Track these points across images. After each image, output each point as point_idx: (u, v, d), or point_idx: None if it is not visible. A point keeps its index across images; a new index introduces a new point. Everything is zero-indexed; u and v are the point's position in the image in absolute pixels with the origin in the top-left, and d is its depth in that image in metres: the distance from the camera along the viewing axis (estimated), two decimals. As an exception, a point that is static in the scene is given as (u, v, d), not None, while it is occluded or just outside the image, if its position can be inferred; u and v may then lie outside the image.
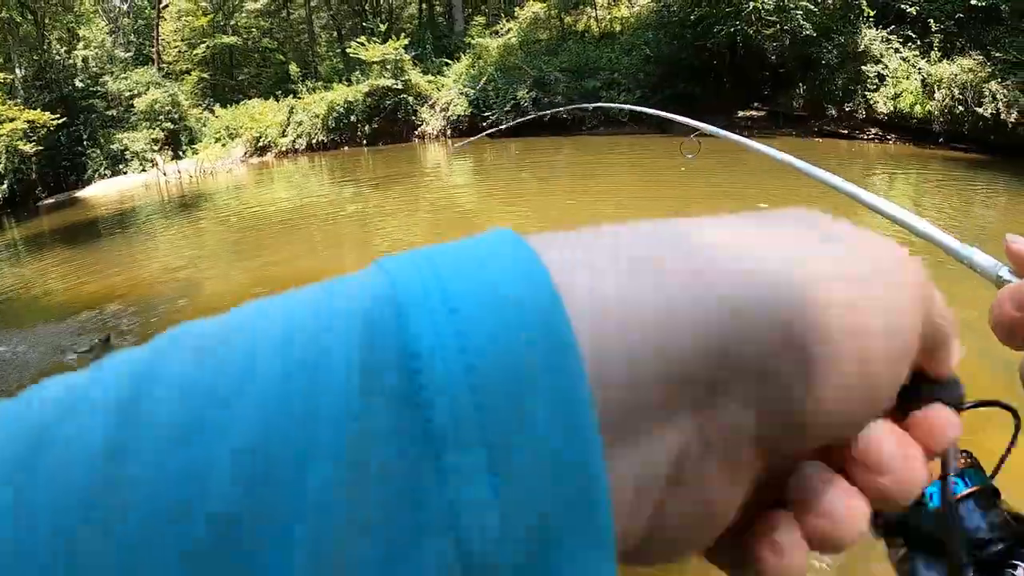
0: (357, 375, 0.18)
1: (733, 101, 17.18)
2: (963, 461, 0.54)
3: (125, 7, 43.80)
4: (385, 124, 24.58)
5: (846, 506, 0.25)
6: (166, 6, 38.95)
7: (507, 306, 0.19)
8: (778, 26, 16.77)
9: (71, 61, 35.86)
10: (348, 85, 26.27)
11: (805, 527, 0.25)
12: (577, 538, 0.19)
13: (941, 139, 15.70)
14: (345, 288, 0.21)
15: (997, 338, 0.43)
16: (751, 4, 16.51)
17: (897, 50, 16.67)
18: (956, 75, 15.63)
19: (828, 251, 0.25)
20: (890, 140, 16.34)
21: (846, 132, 16.31)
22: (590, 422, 0.19)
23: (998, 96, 15.05)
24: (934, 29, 16.33)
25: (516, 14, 25.36)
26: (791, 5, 16.44)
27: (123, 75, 35.99)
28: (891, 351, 0.24)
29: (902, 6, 16.87)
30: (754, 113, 17.73)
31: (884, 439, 0.25)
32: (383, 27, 27.28)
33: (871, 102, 16.38)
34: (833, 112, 16.94)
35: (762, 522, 0.25)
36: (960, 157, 13.99)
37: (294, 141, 27.78)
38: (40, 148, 29.30)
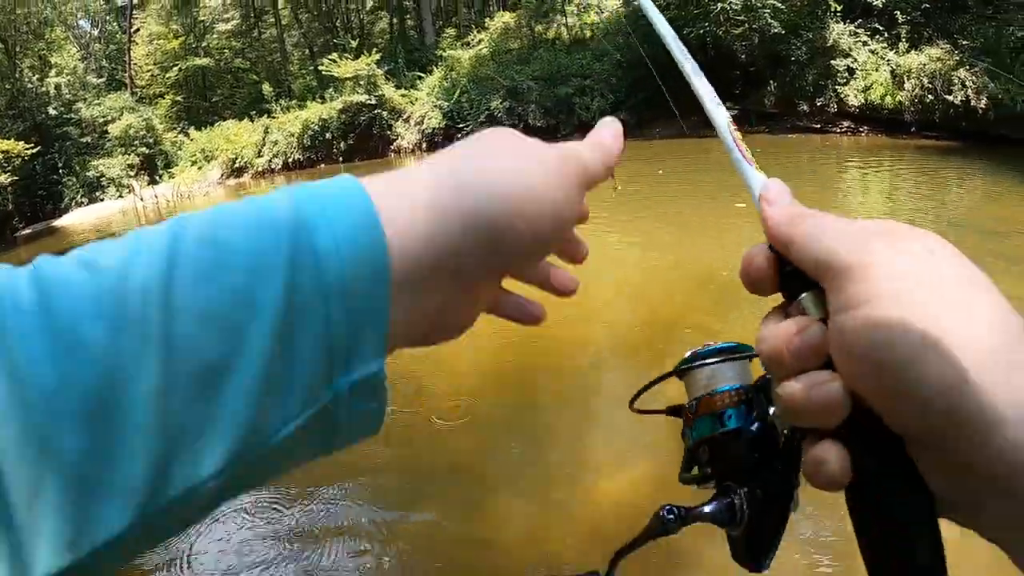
0: (288, 255, 0.32)
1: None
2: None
3: (96, 32, 43.62)
4: (360, 140, 24.59)
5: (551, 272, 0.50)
6: (137, 30, 38.88)
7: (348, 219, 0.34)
8: (746, 25, 16.85)
9: (43, 89, 35.64)
10: (322, 103, 26.29)
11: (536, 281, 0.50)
12: (369, 339, 0.35)
13: (913, 128, 15.84)
14: (273, 203, 0.35)
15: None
16: (719, 5, 16.64)
17: (865, 43, 16.78)
18: (925, 65, 15.75)
19: (523, 160, 0.41)
20: (863, 132, 16.44)
21: (819, 127, 16.40)
22: (387, 278, 0.34)
23: (967, 83, 15.18)
24: (901, 20, 16.45)
25: (486, 25, 25.47)
26: (758, 4, 16.54)
27: (96, 101, 35.83)
28: (559, 219, 0.41)
29: (868, -1, 17.01)
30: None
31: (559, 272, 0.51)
32: (354, 43, 27.32)
33: (842, 96, 16.48)
34: (805, 108, 17.02)
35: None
36: (932, 145, 14.09)
37: (270, 161, 27.71)
38: (15, 178, 29.16)
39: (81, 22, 43.56)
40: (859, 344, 0.33)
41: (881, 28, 16.86)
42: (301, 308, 0.32)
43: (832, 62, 16.42)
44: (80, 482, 0.28)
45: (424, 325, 0.40)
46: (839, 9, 16.78)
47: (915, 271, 0.34)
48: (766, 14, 16.54)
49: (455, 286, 0.39)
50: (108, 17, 44.11)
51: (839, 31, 16.71)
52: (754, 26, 16.78)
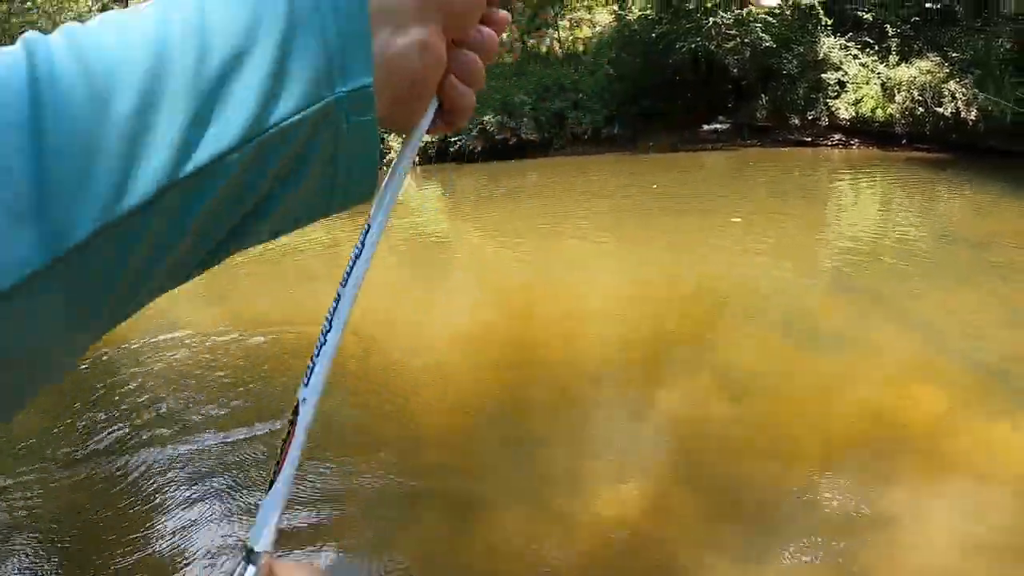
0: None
1: (698, 115, 17.34)
2: None
3: None
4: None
5: (487, 33, 0.52)
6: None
7: None
8: (738, 39, 16.92)
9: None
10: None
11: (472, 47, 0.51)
12: (359, 56, 0.40)
13: (904, 141, 15.95)
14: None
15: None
16: (711, 20, 16.69)
17: (856, 56, 16.90)
18: (915, 77, 15.85)
19: None
20: (854, 145, 16.53)
21: (810, 140, 16.44)
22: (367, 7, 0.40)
23: (957, 95, 15.28)
24: (891, 34, 16.57)
25: (479, 39, 25.54)
26: (750, 18, 16.63)
27: None
28: None
29: (859, 13, 17.12)
30: (719, 126, 17.85)
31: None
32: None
33: (833, 109, 16.58)
34: (796, 121, 17.08)
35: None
36: (923, 157, 14.21)
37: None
38: None
39: None
40: None
41: (871, 41, 16.99)
42: (300, 15, 0.38)
43: (823, 75, 16.55)
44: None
45: (401, 76, 0.44)
46: (830, 23, 16.90)
47: None
48: (758, 28, 16.62)
49: (421, 28, 0.44)
50: None
51: (830, 45, 16.83)
52: (746, 40, 16.86)
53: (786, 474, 3.59)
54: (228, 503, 3.67)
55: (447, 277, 8.11)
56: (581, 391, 4.43)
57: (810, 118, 16.53)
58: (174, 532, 3.50)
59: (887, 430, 3.78)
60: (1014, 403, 4.10)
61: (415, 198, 16.65)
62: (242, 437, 4.19)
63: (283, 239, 10.00)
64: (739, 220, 8.51)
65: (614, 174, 14.35)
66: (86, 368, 5.39)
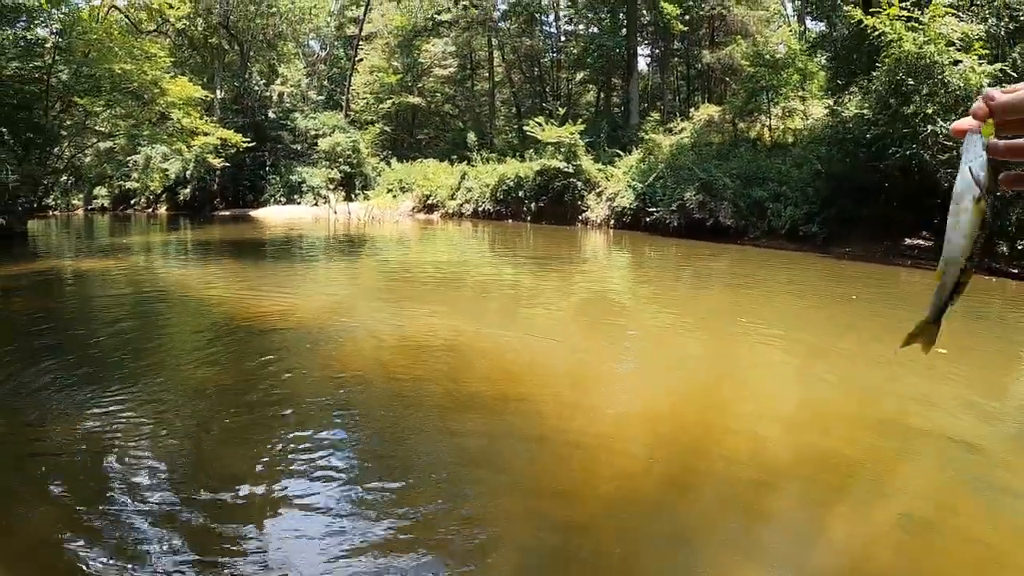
0: None
1: (900, 226, 16.85)
2: None
3: (323, 55, 47.70)
4: (551, 204, 25.54)
5: None
6: (360, 60, 42.22)
7: None
8: (955, 152, 16.57)
9: (267, 93, 39.71)
10: (521, 161, 27.59)
11: None
12: None
13: None
14: None
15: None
16: (929, 128, 16.32)
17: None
18: None
19: None
20: (1068, 280, 15.26)
21: (1016, 272, 14.44)
22: None
23: None
24: None
25: (690, 115, 26.17)
26: (971, 131, 16.27)
27: (312, 115, 39.45)
28: None
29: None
30: (921, 242, 17.15)
31: None
32: (561, 110, 28.55)
33: (1046, 235, 15.36)
34: (1004, 249, 15.39)
35: None
36: None
37: (461, 205, 29.23)
38: (226, 164, 32.74)
39: (311, 42, 47.79)
40: None
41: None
42: None
43: (1031, 199, 15.73)
44: None
45: None
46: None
47: None
48: (979, 142, 16.23)
49: None
50: (336, 43, 48.07)
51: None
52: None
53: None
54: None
55: (628, 352, 8.04)
56: (744, 494, 4.31)
57: (1020, 248, 14.92)
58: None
59: None
60: None
61: (603, 258, 17.17)
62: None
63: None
64: (944, 352, 7.63)
65: (807, 275, 14.15)
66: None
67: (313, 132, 38.27)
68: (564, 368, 7.08)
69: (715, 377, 6.99)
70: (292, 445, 4.77)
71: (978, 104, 0.81)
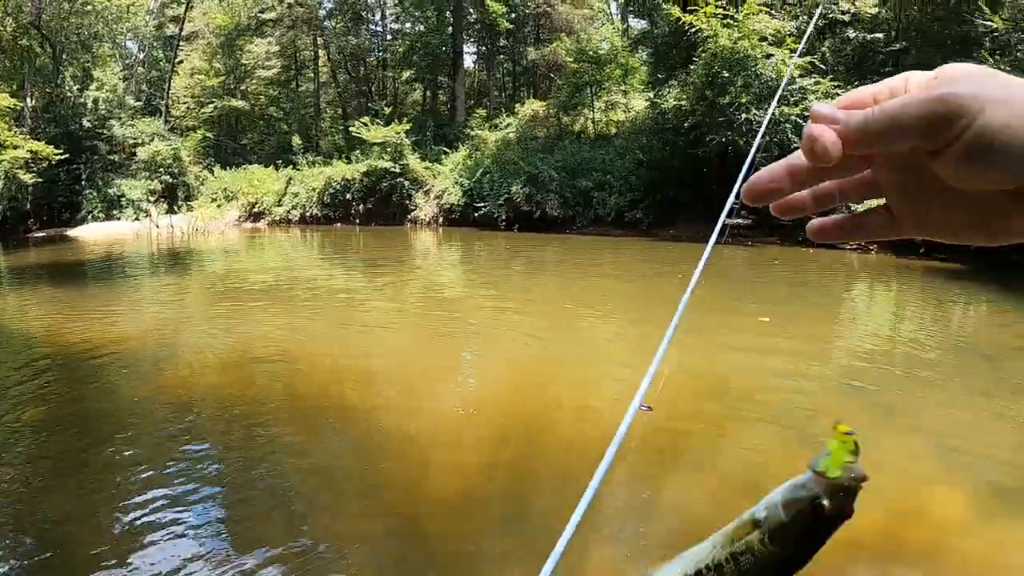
0: None
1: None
2: None
3: (141, 56, 44.56)
4: (379, 205, 24.90)
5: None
6: (181, 62, 39.81)
7: None
8: (768, 138, 17.25)
9: (82, 100, 36.36)
10: (347, 163, 26.74)
11: None
12: None
13: (922, 250, 16.11)
14: None
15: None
16: (743, 116, 17.05)
17: (881, 165, 17.21)
18: (940, 187, 16.11)
19: None
20: (872, 251, 16.71)
21: (829, 244, 16.35)
22: None
23: (980, 207, 15.56)
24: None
25: (516, 110, 26.12)
26: (781, 118, 16.98)
27: (130, 122, 36.51)
28: None
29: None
30: (741, 221, 18.00)
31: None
32: (387, 110, 27.86)
33: (855, 212, 16.73)
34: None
35: None
36: (940, 267, 14.30)
37: (288, 211, 28.07)
38: (39, 180, 29.73)
39: (129, 43, 44.26)
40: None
41: (901, 152, 17.34)
42: None
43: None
44: None
45: None
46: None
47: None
48: (788, 128, 16.97)
49: None
50: (155, 44, 45.03)
51: (859, 149, 17.16)
52: (775, 139, 17.19)
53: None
54: None
55: (461, 343, 8.23)
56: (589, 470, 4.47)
57: (831, 223, 16.64)
58: None
59: (892, 537, 3.90)
60: (1016, 514, 4.17)
61: (435, 256, 16.94)
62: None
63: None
64: (767, 320, 8.75)
65: (632, 258, 14.52)
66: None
67: (132, 141, 35.59)
68: (402, 372, 7.02)
69: (548, 361, 7.21)
70: (131, 477, 4.49)
71: (823, 135, 0.43)
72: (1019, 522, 4.10)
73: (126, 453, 4.92)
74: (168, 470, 4.60)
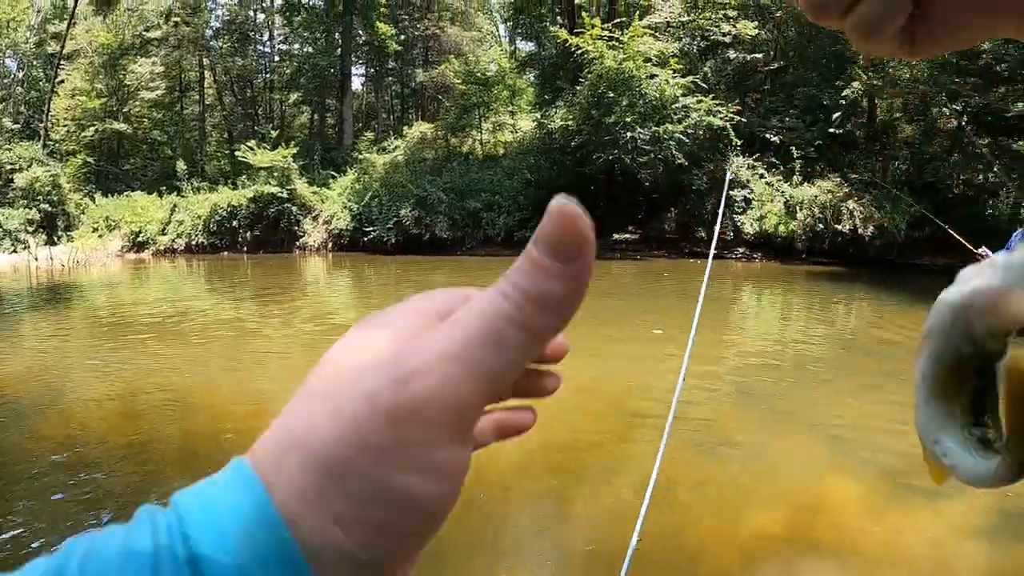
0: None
1: (608, 224, 17.81)
2: None
3: (20, 75, 42.17)
4: (267, 232, 24.20)
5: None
6: (61, 82, 37.75)
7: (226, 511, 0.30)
8: (652, 155, 17.58)
9: (-44, 122, 34.26)
10: (233, 188, 25.86)
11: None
12: None
13: (804, 255, 16.82)
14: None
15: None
16: (628, 134, 17.34)
17: (762, 175, 17.76)
18: (816, 196, 16.81)
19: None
20: (756, 258, 17.25)
21: (715, 253, 17.01)
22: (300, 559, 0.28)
23: (855, 213, 16.36)
24: (796, 155, 17.54)
25: (404, 132, 25.91)
26: (665, 136, 17.31)
27: (7, 146, 34.54)
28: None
29: (767, 135, 18.08)
30: (628, 236, 18.40)
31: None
32: (274, 133, 27.18)
33: (739, 223, 17.32)
34: (703, 234, 17.86)
35: None
36: (822, 271, 14.90)
37: (173, 240, 26.96)
38: None
39: (8, 60, 42.14)
40: None
41: (777, 162, 17.94)
42: None
43: (731, 192, 17.26)
44: None
45: None
46: (739, 144, 17.74)
47: None
48: (672, 145, 17.30)
49: None
50: (35, 62, 42.77)
51: (738, 164, 17.63)
52: (659, 156, 17.53)
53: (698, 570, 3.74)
54: None
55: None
56: (492, 496, 4.42)
57: (716, 233, 17.19)
58: None
59: (797, 532, 4.00)
60: (909, 501, 4.33)
61: (324, 283, 16.59)
62: None
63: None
64: (660, 332, 8.88)
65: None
66: None
67: (8, 166, 33.46)
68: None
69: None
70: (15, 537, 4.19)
71: None
72: (914, 507, 4.27)
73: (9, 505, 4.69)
74: (57, 523, 4.40)
